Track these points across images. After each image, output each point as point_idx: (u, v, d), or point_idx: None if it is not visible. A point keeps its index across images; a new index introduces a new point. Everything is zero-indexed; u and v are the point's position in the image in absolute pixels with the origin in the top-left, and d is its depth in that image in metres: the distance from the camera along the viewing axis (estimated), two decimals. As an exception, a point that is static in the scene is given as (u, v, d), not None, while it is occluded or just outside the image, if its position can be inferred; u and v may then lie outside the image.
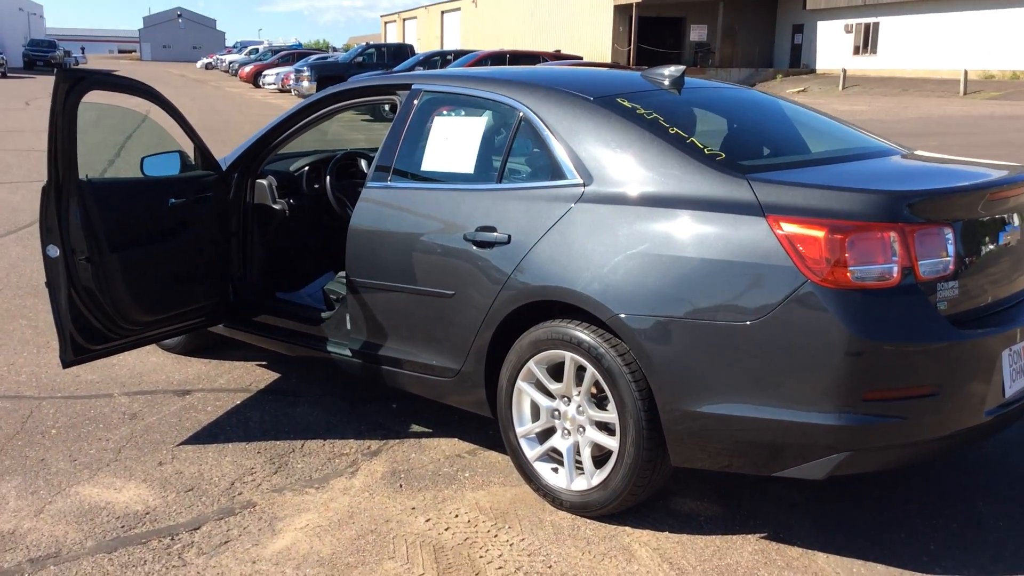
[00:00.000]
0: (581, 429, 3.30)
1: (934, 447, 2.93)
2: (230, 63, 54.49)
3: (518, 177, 3.54)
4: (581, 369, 3.25)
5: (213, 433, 4.08)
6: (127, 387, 4.58)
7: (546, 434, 3.45)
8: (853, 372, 2.72)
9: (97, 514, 3.36)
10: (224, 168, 4.55)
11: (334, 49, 74.71)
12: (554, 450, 3.41)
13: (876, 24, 41.08)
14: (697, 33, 46.10)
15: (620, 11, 43.74)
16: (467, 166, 3.69)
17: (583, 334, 3.17)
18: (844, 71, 38.68)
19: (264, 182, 4.71)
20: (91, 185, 3.82)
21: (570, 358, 3.24)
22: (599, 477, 3.22)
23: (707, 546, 3.15)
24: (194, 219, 4.30)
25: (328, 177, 4.68)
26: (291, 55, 41.85)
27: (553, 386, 3.34)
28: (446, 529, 3.28)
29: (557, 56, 21.34)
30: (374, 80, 4.27)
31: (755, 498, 3.49)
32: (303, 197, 4.86)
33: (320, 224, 5.03)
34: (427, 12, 70.83)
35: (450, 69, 4.21)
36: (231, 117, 22.48)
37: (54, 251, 3.73)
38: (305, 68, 27.34)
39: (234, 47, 74.52)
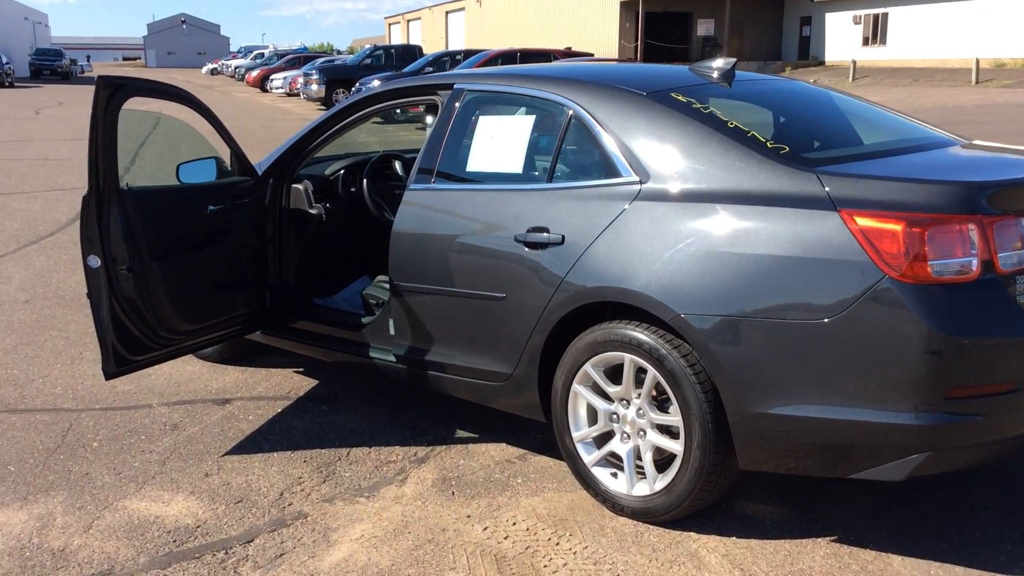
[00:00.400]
0: (641, 433, 3.21)
1: (1012, 445, 2.84)
2: (236, 68, 54.51)
3: (569, 176, 3.44)
4: (641, 371, 3.16)
5: (257, 442, 4.01)
6: (165, 397, 4.51)
7: (603, 438, 3.36)
8: (934, 370, 2.63)
9: (147, 528, 3.29)
10: (260, 173, 4.48)
11: (338, 52, 74.67)
12: (613, 454, 3.33)
13: (885, 15, 40.83)
14: (704, 28, 45.88)
15: (626, 7, 43.57)
16: (515, 166, 3.61)
17: (643, 335, 3.08)
18: (854, 62, 38.43)
19: (300, 187, 4.64)
20: (131, 193, 3.75)
21: (630, 360, 3.15)
22: (662, 482, 3.14)
23: (777, 551, 3.06)
24: (233, 225, 4.23)
25: (365, 180, 4.60)
26: (297, 59, 41.78)
27: (611, 389, 3.25)
28: (505, 538, 3.20)
29: (568, 53, 21.25)
30: (414, 81, 4.18)
31: (818, 500, 3.40)
32: (339, 201, 4.78)
33: (355, 228, 4.95)
34: (431, 13, 70.74)
35: (493, 68, 4.13)
36: (242, 122, 22.42)
37: (95, 261, 3.65)
38: (313, 71, 27.24)
39: (239, 52, 74.52)
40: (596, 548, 3.11)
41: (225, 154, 4.38)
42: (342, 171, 4.86)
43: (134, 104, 3.77)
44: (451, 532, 3.25)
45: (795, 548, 3.08)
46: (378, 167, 4.85)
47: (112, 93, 3.62)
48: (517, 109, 3.77)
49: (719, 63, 3.76)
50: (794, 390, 2.81)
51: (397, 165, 4.92)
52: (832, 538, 3.14)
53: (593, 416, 3.36)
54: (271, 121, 22.72)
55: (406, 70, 23.30)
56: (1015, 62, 34.43)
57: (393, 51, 28.44)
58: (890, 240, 2.66)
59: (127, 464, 3.79)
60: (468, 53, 22.68)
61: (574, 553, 3.08)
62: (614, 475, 3.31)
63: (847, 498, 3.41)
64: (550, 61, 19.89)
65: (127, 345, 3.80)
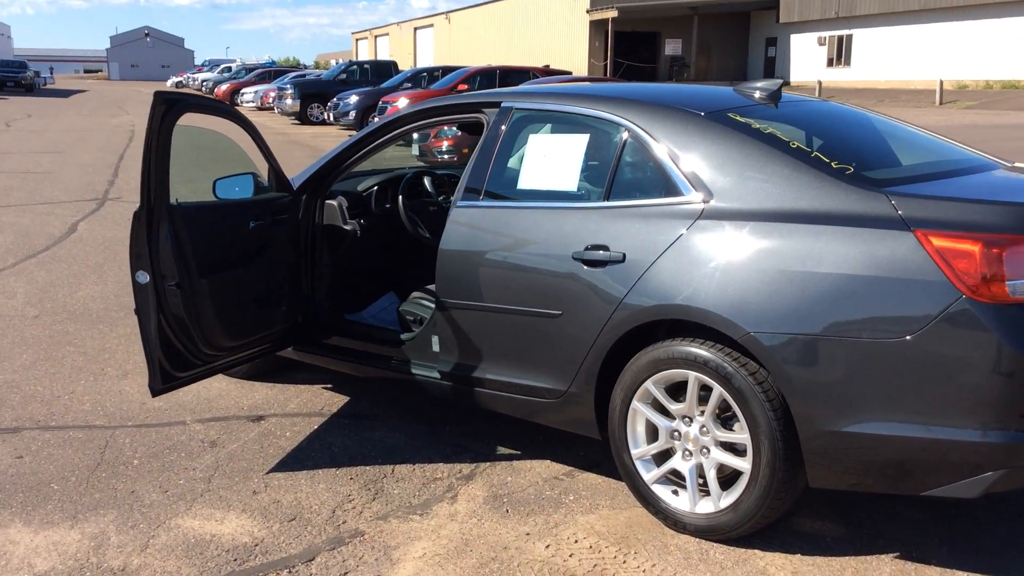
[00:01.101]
0: (705, 450, 3.24)
1: None
2: (203, 81, 54.00)
3: (627, 194, 3.47)
4: (705, 389, 3.19)
5: (299, 459, 3.98)
6: (198, 414, 4.47)
7: (662, 455, 3.38)
8: (1010, 388, 2.69)
9: (205, 547, 3.26)
10: (294, 189, 4.47)
11: (304, 66, 74.37)
12: (673, 472, 3.35)
13: (850, 36, 41.60)
14: (672, 47, 46.45)
15: (596, 26, 43.98)
16: (569, 184, 3.64)
17: (710, 353, 3.11)
18: (819, 83, 39.12)
19: (334, 203, 4.63)
20: (181, 209, 3.73)
21: (694, 378, 3.18)
22: (728, 499, 3.16)
23: (843, 568, 3.10)
24: (273, 241, 4.22)
25: (400, 197, 4.60)
26: (267, 73, 41.57)
27: (674, 406, 3.28)
28: (570, 556, 3.21)
29: (547, 71, 21.37)
30: (458, 98, 4.20)
31: (876, 516, 3.45)
32: (372, 217, 4.78)
33: (386, 244, 4.95)
34: (399, 29, 70.83)
35: (542, 87, 4.16)
36: (218, 135, 22.23)
37: (144, 277, 3.62)
38: (288, 85, 27.12)
39: (204, 65, 73.95)
40: (664, 566, 3.12)
41: (261, 169, 4.37)
42: (375, 187, 4.85)
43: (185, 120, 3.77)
44: (513, 550, 3.25)
45: (861, 565, 3.12)
46: (411, 183, 4.85)
47: (167, 109, 3.60)
48: (569, 128, 3.79)
49: (764, 84, 3.83)
50: (868, 408, 2.85)
51: (427, 181, 4.93)
52: (895, 555, 3.18)
53: (652, 433, 3.38)
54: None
55: (384, 85, 23.27)
56: (976, 84, 35.21)
57: (368, 67, 28.39)
58: (967, 260, 2.72)
59: (172, 482, 3.75)
60: (446, 70, 22.71)
61: (643, 571, 3.10)
62: (675, 492, 3.33)
63: (901, 515, 3.46)
64: (530, 78, 19.98)
65: (172, 362, 3.77)
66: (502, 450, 4.10)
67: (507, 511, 3.54)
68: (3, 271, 7.43)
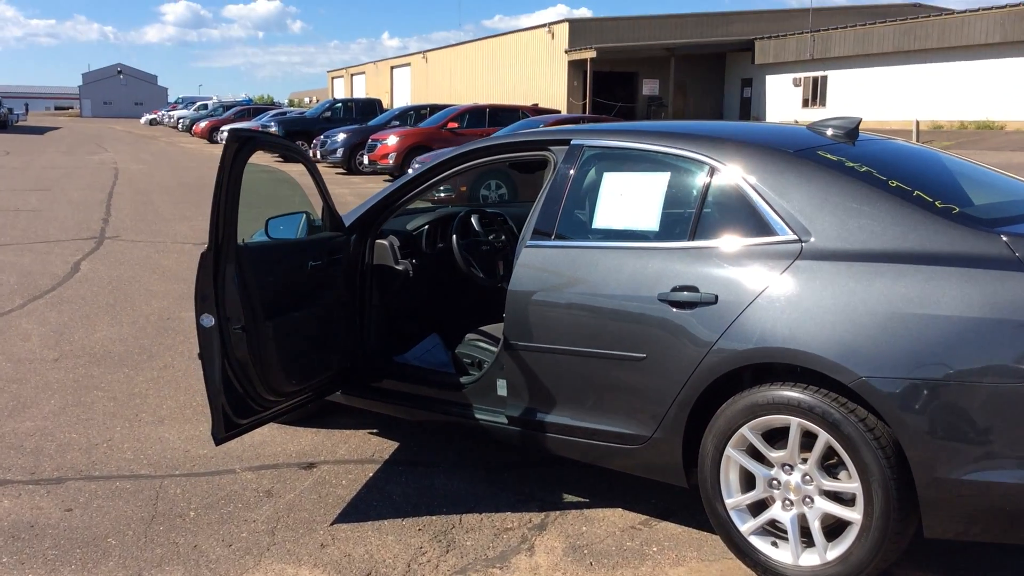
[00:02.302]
0: (808, 500, 3.12)
1: None
2: (179, 119, 53.80)
3: (714, 234, 3.38)
4: (807, 435, 3.08)
5: (361, 510, 3.82)
6: (246, 461, 4.30)
7: (758, 505, 3.26)
8: None
9: (283, 606, 3.09)
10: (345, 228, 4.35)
11: (279, 104, 74.32)
12: (772, 522, 3.23)
13: (824, 77, 42.18)
14: (649, 87, 46.84)
15: (575, 66, 44.32)
16: (649, 223, 3.54)
17: (814, 398, 3.01)
18: (796, 123, 39.56)
19: (385, 242, 4.51)
20: (247, 249, 3.60)
21: (797, 424, 3.07)
22: (836, 551, 3.04)
23: (957, 620, 2.99)
24: (329, 282, 4.09)
25: (454, 236, 4.49)
26: (246, 110, 41.47)
27: (773, 454, 3.16)
28: (669, 610, 3.08)
29: (537, 110, 21.42)
30: (523, 136, 4.11)
31: (983, 565, 3.34)
32: (422, 257, 4.66)
33: (434, 284, 4.83)
34: (376, 67, 71.07)
35: (612, 124, 4.07)
36: (203, 172, 22.07)
37: (209, 320, 3.48)
38: (272, 123, 27.00)
39: (178, 102, 73.78)
40: (771, 620, 3.00)
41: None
42: (426, 226, 4.74)
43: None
44: (607, 605, 3.11)
45: (975, 617, 3.01)
46: (462, 223, 4.74)
47: (240, 147, 3.49)
48: (646, 166, 3.69)
49: (841, 121, 3.76)
50: (991, 455, 2.76)
51: (475, 220, 4.82)
52: (1006, 605, 3.08)
53: (746, 481, 3.27)
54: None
55: (372, 123, 23.22)
56: (951, 124, 35.77)
57: (352, 104, 28.37)
58: None
59: (234, 535, 3.58)
60: (434, 108, 22.70)
61: (749, 626, 2.97)
62: (774, 544, 3.21)
63: (1005, 562, 3.36)
64: (519, 116, 20.03)
65: (235, 408, 3.62)
66: (569, 498, 3.96)
67: (590, 563, 3.40)
68: (12, 312, 7.21)
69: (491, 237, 4.81)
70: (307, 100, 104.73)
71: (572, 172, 3.79)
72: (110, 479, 4.07)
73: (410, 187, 4.31)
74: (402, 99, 60.48)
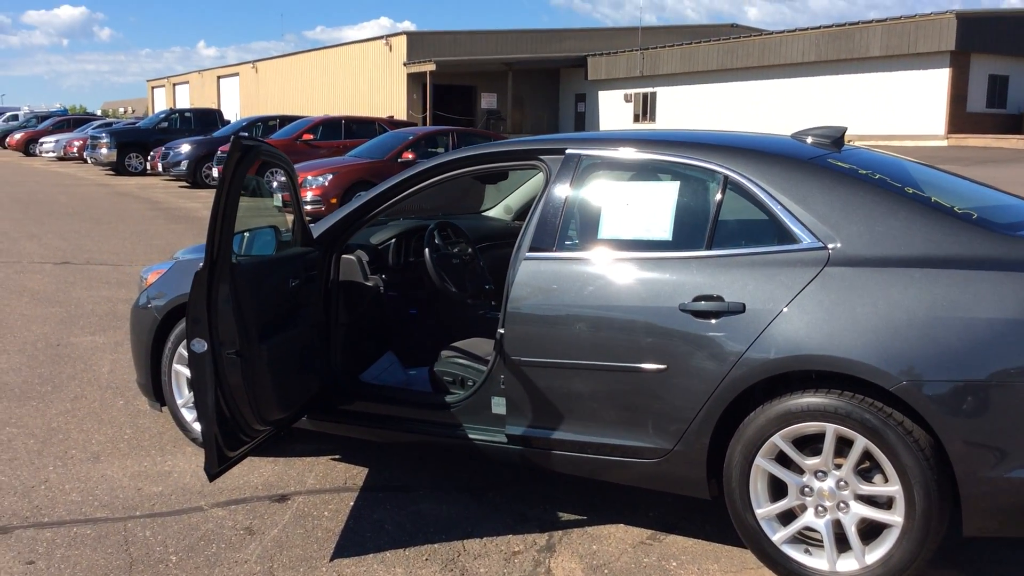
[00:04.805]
0: (842, 505, 3.14)
1: None
2: (-15, 130, 49.93)
3: (733, 243, 3.37)
4: (842, 441, 3.11)
5: (357, 542, 3.59)
6: (210, 497, 3.96)
7: (788, 513, 3.26)
8: None
9: (315, 653, 2.84)
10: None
11: (93, 115, 70.25)
12: (805, 529, 3.23)
13: (654, 93, 43.78)
14: (487, 101, 47.26)
15: (413, 78, 44.19)
16: (659, 233, 3.49)
17: (851, 404, 3.04)
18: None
19: (353, 257, 4.28)
20: (241, 267, 3.31)
21: (832, 430, 3.09)
22: (876, 554, 3.07)
23: (992, 614, 3.08)
24: (307, 300, 3.84)
25: (427, 250, 4.30)
26: (65, 121, 39.03)
27: (808, 461, 3.17)
28: (718, 626, 3.02)
29: (392, 122, 21.13)
30: (510, 144, 3.99)
31: (1005, 562, 3.46)
32: (390, 272, 4.45)
33: (400, 300, 4.61)
34: (201, 77, 68.46)
35: (609, 132, 3.97)
36: (32, 188, 20.56)
37: (200, 345, 3.18)
38: (103, 134, 25.39)
39: (-21, 113, 68.54)
40: (822, 628, 2.99)
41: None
42: (393, 240, 4.53)
43: None
44: (652, 625, 3.03)
45: (1007, 609, 3.11)
46: (425, 235, 4.56)
47: (242, 156, 3.21)
48: (652, 175, 3.66)
49: (825, 130, 3.83)
50: (1034, 452, 2.85)
51: (444, 233, 4.64)
52: (1028, 596, 3.20)
53: (775, 490, 3.26)
54: (65, 187, 20.97)
55: (217, 134, 22.27)
56: (774, 139, 37.83)
57: (190, 115, 27.12)
58: None
59: (231, 579, 3.28)
60: (285, 119, 21.92)
61: (803, 635, 2.95)
62: (807, 552, 3.21)
63: (1008, 560, 3.50)
64: (376, 129, 19.71)
65: (227, 439, 3.32)
66: (566, 516, 3.86)
67: (617, 583, 3.31)
68: None
69: (456, 250, 4.65)
70: (122, 111, 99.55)
71: (570, 183, 3.70)
72: (64, 525, 3.65)
73: (383, 200, 4.09)
74: (230, 110, 58.41)
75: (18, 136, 37.58)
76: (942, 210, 3.15)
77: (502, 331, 3.63)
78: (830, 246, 3.17)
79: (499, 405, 3.73)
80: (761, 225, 3.35)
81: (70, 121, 38.98)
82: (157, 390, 4.50)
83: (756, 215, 3.37)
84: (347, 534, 3.65)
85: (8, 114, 53.36)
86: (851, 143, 4.01)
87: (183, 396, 4.43)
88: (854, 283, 3.08)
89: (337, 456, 4.45)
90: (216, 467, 3.27)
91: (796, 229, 3.25)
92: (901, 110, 33.02)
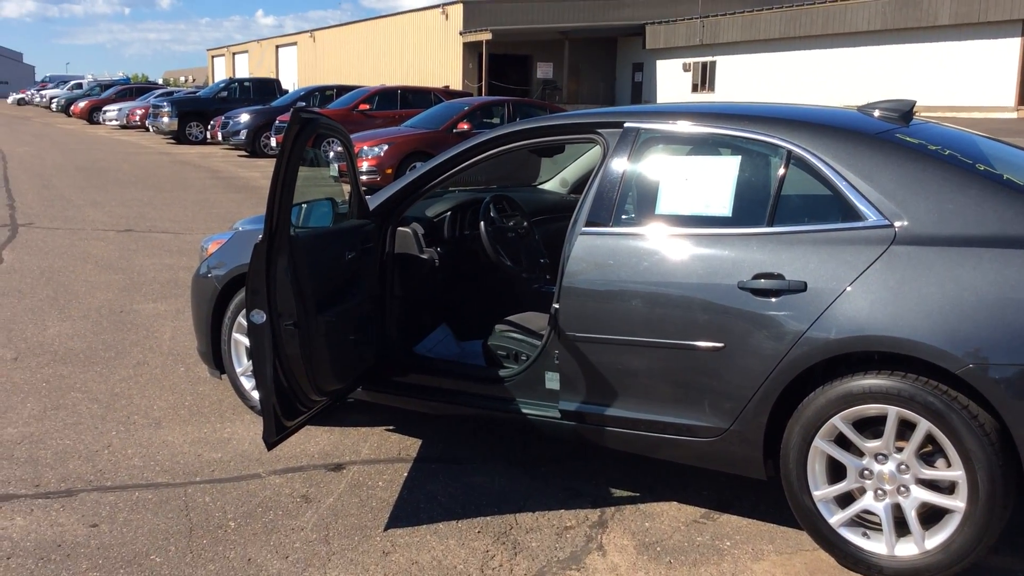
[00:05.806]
0: (903, 489, 3.08)
1: None
2: (52, 99, 51.00)
3: (796, 220, 3.30)
4: (904, 424, 3.04)
5: (411, 513, 3.62)
6: (267, 465, 4.02)
7: (846, 495, 3.21)
8: None
9: (369, 622, 2.88)
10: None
11: (155, 83, 71.38)
12: (864, 513, 3.18)
13: (713, 63, 43.10)
14: (543, 70, 46.99)
15: (469, 48, 44.05)
16: (721, 209, 3.43)
17: (915, 387, 2.96)
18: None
19: (408, 230, 4.28)
20: (299, 239, 3.33)
21: (895, 412, 3.02)
22: (936, 539, 3.01)
23: (1056, 603, 3.01)
24: (364, 272, 3.85)
25: (482, 224, 4.28)
26: (128, 90, 39.66)
27: (869, 443, 3.11)
28: (772, 607, 3.00)
29: (448, 92, 21.13)
30: (567, 118, 3.94)
31: (1043, 546, 3.39)
32: (445, 245, 4.45)
33: (454, 273, 4.62)
34: (260, 46, 69.04)
35: (667, 105, 3.90)
36: (94, 155, 20.95)
37: (259, 317, 3.21)
38: (165, 103, 25.80)
39: (47, 81, 69.98)
40: (879, 612, 2.95)
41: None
42: (448, 212, 4.52)
43: None
44: (704, 604, 3.01)
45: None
46: (481, 209, 4.54)
47: (300, 129, 3.21)
48: (712, 150, 3.60)
49: (893, 104, 3.72)
50: (1104, 438, 2.77)
51: (500, 206, 4.62)
52: (1095, 586, 3.12)
53: (832, 472, 3.21)
54: (127, 155, 21.34)
55: (275, 104, 22.45)
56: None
57: (249, 84, 27.37)
58: None
59: (287, 546, 3.33)
60: (341, 89, 22.06)
61: (859, 619, 2.92)
62: (865, 535, 3.16)
63: (1066, 543, 3.41)
64: (432, 99, 19.71)
65: (284, 409, 3.36)
66: (619, 492, 3.84)
67: (669, 561, 3.30)
68: (-57, 307, 6.62)
69: (511, 223, 4.63)
70: (183, 79, 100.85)
71: (628, 157, 3.65)
72: (126, 489, 3.74)
73: (439, 172, 4.08)
74: (288, 79, 58.86)
75: (82, 104, 38.23)
76: (1015, 188, 3.04)
77: (557, 306, 3.62)
78: (897, 224, 3.09)
79: (553, 380, 3.72)
80: (825, 201, 3.27)
81: (132, 90, 39.57)
82: (217, 358, 4.57)
83: (820, 191, 3.29)
84: (401, 504, 3.68)
85: (73, 83, 54.50)
86: (919, 116, 3.89)
87: (242, 365, 4.49)
88: (921, 262, 3.00)
89: (391, 427, 4.49)
90: (274, 436, 3.31)
91: (861, 206, 3.17)
92: (970, 81, 32.09)
